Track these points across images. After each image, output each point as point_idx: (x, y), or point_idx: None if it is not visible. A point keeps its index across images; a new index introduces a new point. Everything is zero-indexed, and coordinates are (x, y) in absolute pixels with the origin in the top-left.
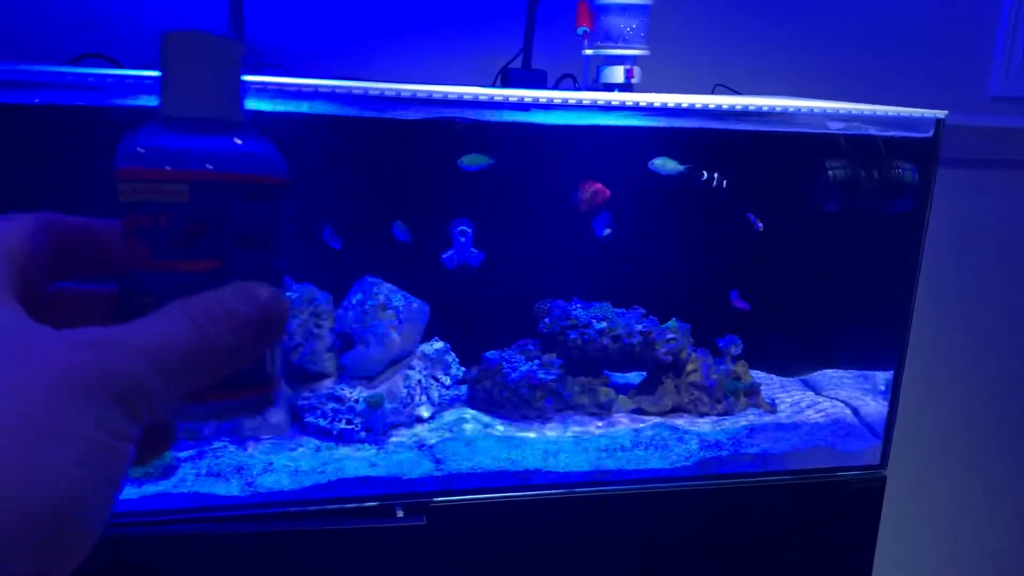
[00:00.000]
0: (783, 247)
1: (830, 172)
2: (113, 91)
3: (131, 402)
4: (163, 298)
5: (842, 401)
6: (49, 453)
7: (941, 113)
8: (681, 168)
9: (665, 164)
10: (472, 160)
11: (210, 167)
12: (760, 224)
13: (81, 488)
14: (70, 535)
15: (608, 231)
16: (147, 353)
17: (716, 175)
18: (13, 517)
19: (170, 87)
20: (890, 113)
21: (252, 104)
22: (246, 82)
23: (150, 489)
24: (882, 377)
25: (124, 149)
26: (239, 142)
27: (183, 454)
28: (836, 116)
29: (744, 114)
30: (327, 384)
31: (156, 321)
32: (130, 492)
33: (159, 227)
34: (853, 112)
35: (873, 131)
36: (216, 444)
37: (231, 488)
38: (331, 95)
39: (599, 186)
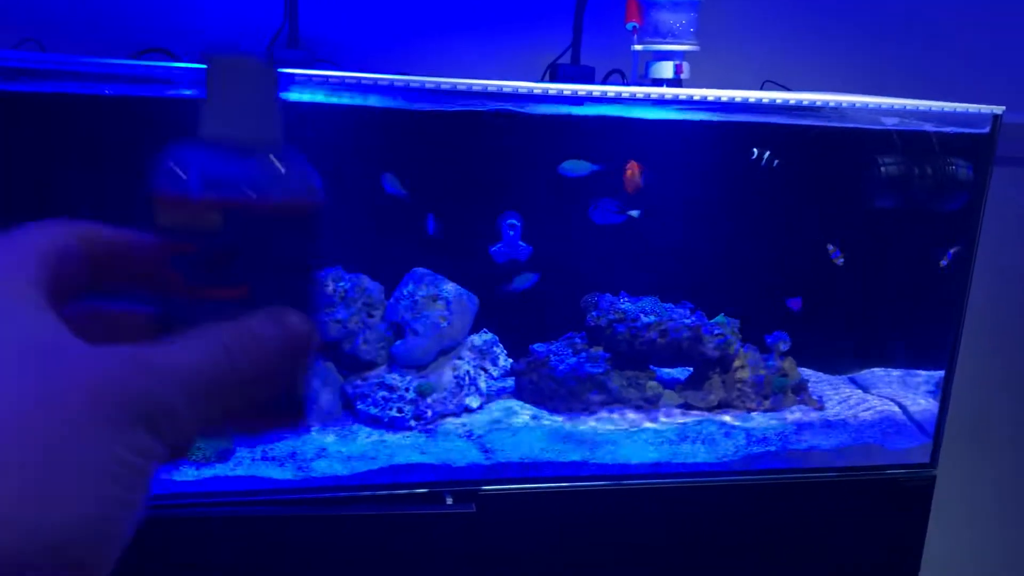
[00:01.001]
0: (834, 244)
1: (883, 168)
2: (181, 83)
3: (157, 423)
4: (194, 325)
5: (891, 399)
6: (72, 471)
7: (999, 109)
8: (594, 167)
9: (576, 166)
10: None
11: (241, 195)
12: (842, 259)
13: (103, 508)
14: (90, 557)
15: (633, 213)
16: (174, 375)
17: (767, 154)
18: (32, 538)
19: (211, 111)
20: (946, 109)
21: (309, 96)
22: (283, 105)
23: (207, 472)
24: (933, 376)
25: (160, 171)
26: (273, 167)
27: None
28: (890, 112)
29: (796, 109)
30: (378, 373)
31: (185, 343)
32: (188, 474)
33: (191, 253)
34: (908, 107)
35: (928, 127)
36: None
37: (285, 472)
38: (388, 88)
39: (630, 169)
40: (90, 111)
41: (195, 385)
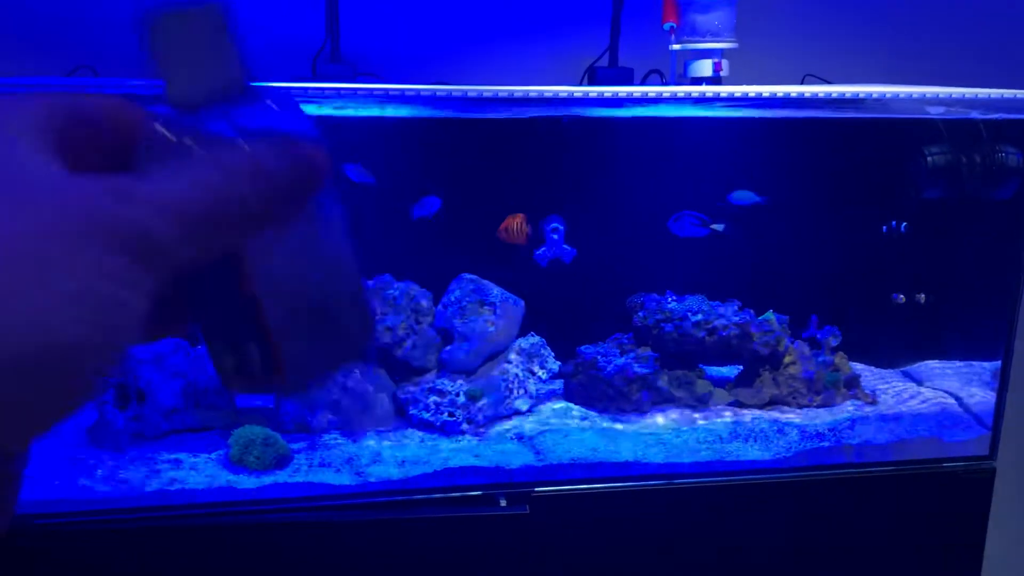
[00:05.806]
0: (884, 236)
1: (930, 158)
2: None
3: (139, 252)
4: None
5: (946, 391)
6: (43, 296)
7: None
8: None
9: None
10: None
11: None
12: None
13: (71, 333)
14: (50, 381)
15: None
16: (160, 203)
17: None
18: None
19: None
20: (992, 95)
21: (353, 111)
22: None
23: (267, 480)
24: (989, 367)
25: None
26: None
27: (296, 446)
28: (935, 100)
29: (839, 102)
30: (429, 378)
31: (175, 172)
32: (248, 482)
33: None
34: (953, 96)
35: (975, 114)
36: (327, 437)
37: (342, 478)
38: (431, 99)
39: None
40: None
41: (183, 215)
